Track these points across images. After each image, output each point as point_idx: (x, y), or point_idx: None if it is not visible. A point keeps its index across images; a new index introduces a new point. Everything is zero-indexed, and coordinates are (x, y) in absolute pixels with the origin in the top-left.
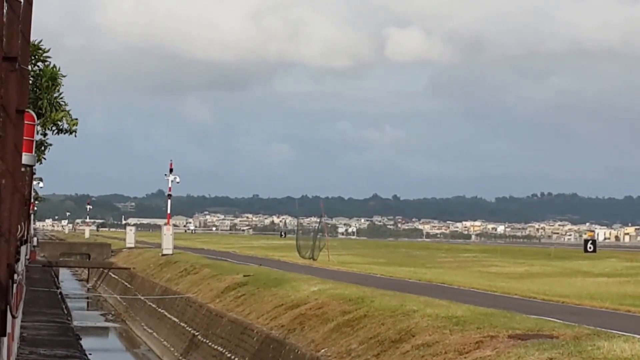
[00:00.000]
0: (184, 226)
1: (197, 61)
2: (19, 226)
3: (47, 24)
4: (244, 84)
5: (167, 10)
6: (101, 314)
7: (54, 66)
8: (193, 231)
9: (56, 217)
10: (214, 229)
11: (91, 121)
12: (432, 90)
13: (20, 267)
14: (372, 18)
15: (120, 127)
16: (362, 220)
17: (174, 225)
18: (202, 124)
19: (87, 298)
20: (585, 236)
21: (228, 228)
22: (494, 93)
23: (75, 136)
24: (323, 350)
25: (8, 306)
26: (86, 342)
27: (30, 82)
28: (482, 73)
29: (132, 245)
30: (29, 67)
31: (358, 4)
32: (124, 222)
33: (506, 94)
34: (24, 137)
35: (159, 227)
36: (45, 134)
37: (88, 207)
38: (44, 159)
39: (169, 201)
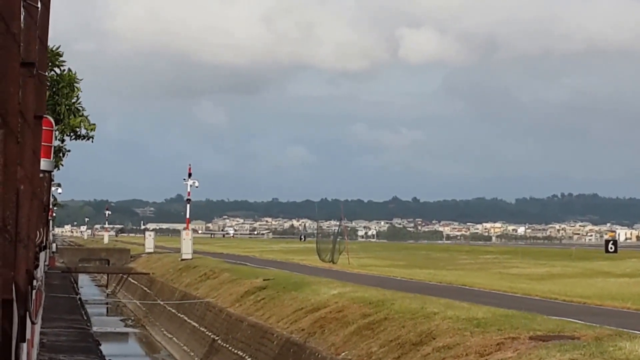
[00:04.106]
0: (222, 231)
1: (210, 65)
2: (38, 232)
3: (56, 29)
4: (257, 87)
5: (179, 15)
6: (121, 320)
7: (70, 71)
8: (233, 236)
9: (75, 223)
10: (263, 234)
11: (106, 126)
12: (447, 91)
13: (40, 273)
14: (385, 19)
15: (136, 132)
16: (382, 222)
17: (194, 229)
18: (217, 128)
19: (107, 303)
20: (606, 237)
21: (247, 232)
22: (508, 93)
23: (92, 142)
24: (344, 354)
25: (27, 312)
26: (106, 348)
27: (48, 87)
28: (496, 73)
29: (151, 250)
30: (46, 73)
31: (370, 5)
32: (143, 227)
33: (521, 95)
34: (42, 143)
35: (178, 232)
36: (63, 140)
37: (107, 212)
38: (62, 165)
39: (188, 206)
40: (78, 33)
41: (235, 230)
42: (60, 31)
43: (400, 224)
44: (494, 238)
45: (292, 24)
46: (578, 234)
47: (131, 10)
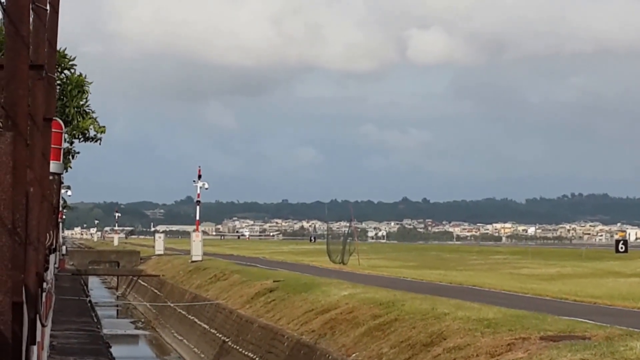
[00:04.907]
0: (236, 232)
1: (218, 67)
2: (48, 235)
3: (63, 31)
4: (265, 88)
5: (186, 17)
6: (131, 322)
7: (80, 74)
8: (248, 237)
9: (85, 225)
10: (270, 235)
11: (115, 128)
12: (455, 91)
13: (49, 275)
14: (393, 20)
15: (144, 134)
16: (392, 223)
17: (204, 231)
18: (226, 130)
19: (117, 306)
20: (616, 236)
21: (257, 233)
22: (517, 94)
23: (100, 144)
24: (354, 355)
25: (37, 315)
26: (116, 350)
27: (57, 90)
28: (505, 74)
29: (161, 253)
30: (55, 75)
31: (378, 6)
32: (152, 229)
33: (530, 95)
34: (52, 145)
35: (188, 234)
36: (72, 142)
37: (116, 214)
38: (70, 167)
39: (198, 207)
40: (85, 35)
41: (250, 231)
42: (67, 33)
43: (410, 225)
44: (504, 238)
45: (299, 25)
46: (588, 234)
47: (138, 12)
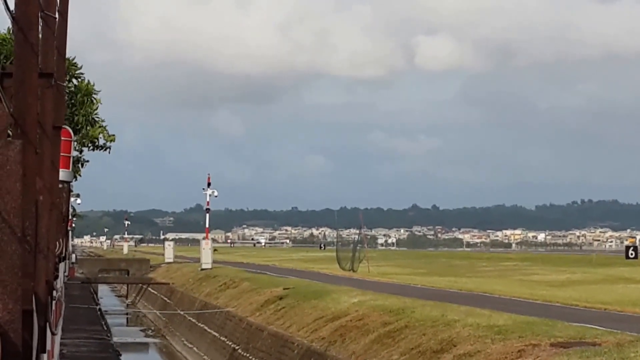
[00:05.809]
0: (252, 239)
1: (226, 74)
2: (57, 243)
3: (71, 39)
4: (274, 96)
5: (194, 25)
6: (141, 330)
7: (89, 82)
8: (264, 245)
9: (94, 234)
10: (286, 242)
11: (124, 137)
12: (464, 98)
13: (59, 283)
14: (401, 26)
15: (153, 142)
16: (402, 230)
17: (213, 239)
18: (234, 137)
19: (127, 314)
20: (626, 242)
21: (267, 241)
22: (526, 100)
23: (109, 152)
24: None
25: (47, 323)
26: (126, 358)
27: (66, 98)
28: (513, 80)
29: (171, 260)
30: (65, 84)
31: (386, 12)
32: (162, 237)
33: (538, 101)
34: (61, 153)
35: (197, 241)
36: (81, 150)
37: (126, 222)
38: (79, 176)
39: (207, 215)
40: (93, 44)
41: (267, 239)
42: (76, 41)
43: (420, 232)
44: (514, 245)
45: (307, 32)
46: (598, 240)
47: (146, 20)
